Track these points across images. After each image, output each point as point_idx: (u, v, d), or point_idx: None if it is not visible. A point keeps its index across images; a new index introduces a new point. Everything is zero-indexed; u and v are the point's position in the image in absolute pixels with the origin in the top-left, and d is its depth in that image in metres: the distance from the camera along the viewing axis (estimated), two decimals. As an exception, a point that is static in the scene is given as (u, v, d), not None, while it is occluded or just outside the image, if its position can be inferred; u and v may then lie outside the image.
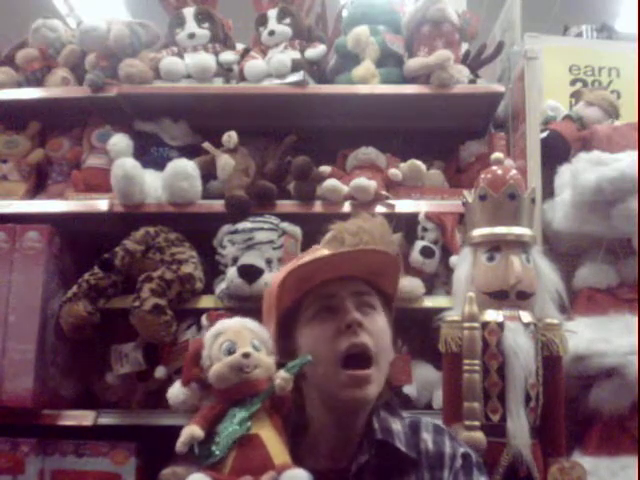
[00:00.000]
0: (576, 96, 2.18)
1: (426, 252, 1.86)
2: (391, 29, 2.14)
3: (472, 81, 2.08)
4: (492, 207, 1.51)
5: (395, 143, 2.19)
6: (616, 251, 1.82)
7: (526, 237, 1.50)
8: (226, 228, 1.86)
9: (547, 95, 2.17)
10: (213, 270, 1.90)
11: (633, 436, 1.61)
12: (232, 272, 1.75)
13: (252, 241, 1.79)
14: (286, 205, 1.94)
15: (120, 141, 2.01)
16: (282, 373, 1.01)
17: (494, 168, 1.56)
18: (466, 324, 1.40)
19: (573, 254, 1.88)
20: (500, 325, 1.42)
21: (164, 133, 2.12)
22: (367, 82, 2.03)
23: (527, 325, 1.43)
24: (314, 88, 2.06)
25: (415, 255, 1.86)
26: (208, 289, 1.87)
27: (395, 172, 2.01)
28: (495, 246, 1.50)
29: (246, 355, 1.02)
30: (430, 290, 1.88)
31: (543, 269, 1.50)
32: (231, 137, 1.99)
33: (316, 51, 2.11)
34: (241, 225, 1.83)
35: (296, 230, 1.87)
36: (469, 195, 1.58)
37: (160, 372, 1.78)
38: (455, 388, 1.40)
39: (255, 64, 2.06)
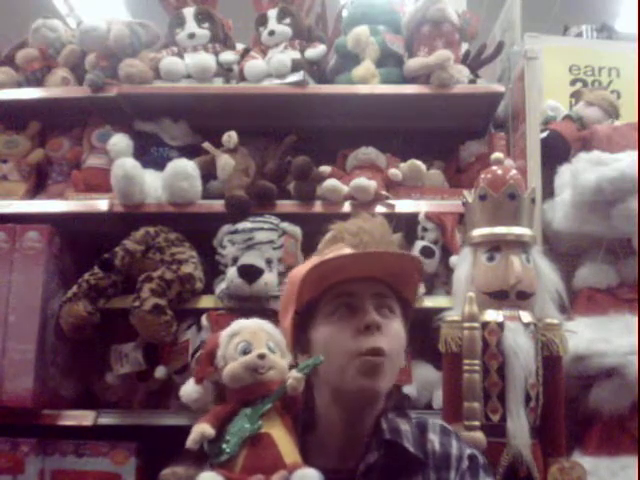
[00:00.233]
0: (576, 96, 2.18)
1: (426, 252, 1.86)
2: (391, 29, 2.14)
3: (472, 81, 2.08)
4: (492, 207, 1.51)
5: (395, 143, 2.19)
6: (616, 251, 1.82)
7: (526, 237, 1.50)
8: (226, 228, 1.86)
9: (547, 95, 2.17)
10: (213, 270, 1.90)
11: (633, 436, 1.61)
12: (232, 272, 1.75)
13: (252, 241, 1.79)
14: (286, 205, 1.94)
15: (120, 141, 2.01)
16: (294, 373, 1.01)
17: (494, 168, 1.56)
18: (466, 324, 1.40)
19: (573, 254, 1.88)
20: (500, 325, 1.42)
21: (164, 133, 2.12)
22: (367, 82, 2.03)
23: (527, 325, 1.43)
24: (314, 88, 2.06)
25: (415, 255, 1.86)
26: (208, 289, 1.87)
27: (395, 172, 2.01)
28: (495, 246, 1.50)
29: (261, 356, 1.02)
30: (430, 290, 1.88)
31: (543, 269, 1.50)
32: (231, 137, 1.99)
33: (316, 51, 2.11)
34: (241, 225, 1.83)
35: (296, 230, 1.87)
36: (469, 195, 1.58)
37: (160, 372, 1.78)
38: (455, 388, 1.41)
39: (255, 64, 2.06)
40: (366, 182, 1.90)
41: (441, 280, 1.91)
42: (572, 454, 1.59)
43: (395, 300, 1.13)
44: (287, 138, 2.07)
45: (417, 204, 1.95)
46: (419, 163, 2.01)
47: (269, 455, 0.96)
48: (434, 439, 1.10)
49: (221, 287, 1.81)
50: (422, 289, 1.82)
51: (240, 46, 2.24)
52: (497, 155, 1.58)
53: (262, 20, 2.18)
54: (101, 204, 1.93)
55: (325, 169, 2.03)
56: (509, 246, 1.48)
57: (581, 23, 2.64)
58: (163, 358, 1.80)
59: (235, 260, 1.79)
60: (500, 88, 2.04)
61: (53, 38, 2.19)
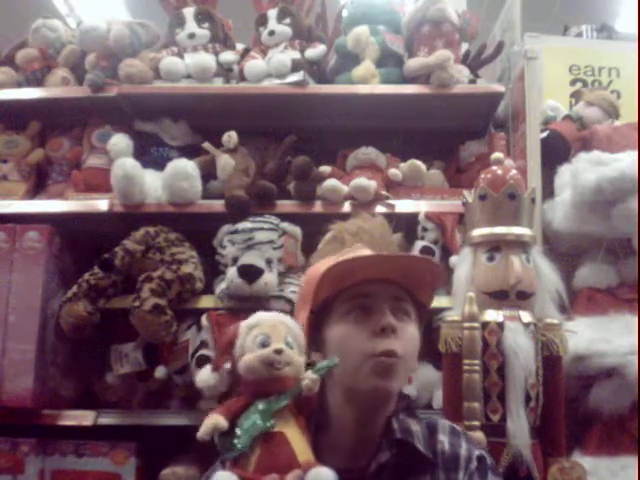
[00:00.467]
0: (576, 96, 2.18)
1: (426, 252, 1.86)
2: (391, 29, 2.14)
3: (472, 81, 2.08)
4: (492, 207, 1.51)
5: (395, 143, 2.19)
6: (616, 251, 1.82)
7: (526, 237, 1.50)
8: (226, 228, 1.86)
9: (547, 95, 2.17)
10: (213, 270, 1.90)
11: (633, 436, 1.61)
12: (232, 272, 1.75)
13: (252, 241, 1.79)
14: (286, 205, 1.94)
15: (120, 141, 2.01)
16: (310, 374, 1.01)
17: (494, 168, 1.56)
18: (466, 324, 1.40)
19: (573, 254, 1.88)
20: (500, 325, 1.42)
21: (164, 133, 2.12)
22: (367, 82, 2.03)
23: (527, 325, 1.43)
24: (314, 88, 2.06)
25: (415, 255, 1.86)
26: (208, 289, 1.87)
27: (395, 172, 2.01)
28: (495, 246, 1.50)
29: (278, 351, 1.01)
30: (430, 290, 1.88)
31: (543, 269, 1.50)
32: (231, 137, 1.99)
33: (316, 51, 2.11)
34: (241, 225, 1.83)
35: (296, 230, 1.87)
36: (469, 195, 1.58)
37: (160, 372, 1.78)
38: (455, 388, 1.40)
39: (255, 64, 2.06)
40: (366, 182, 1.90)
41: (441, 280, 1.91)
42: (572, 454, 1.59)
43: (410, 303, 1.13)
44: (287, 138, 2.07)
45: (417, 204, 1.95)
46: (419, 163, 2.01)
47: (283, 454, 0.95)
48: (444, 440, 1.10)
49: (221, 287, 1.81)
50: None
51: (240, 46, 2.24)
52: (497, 155, 1.58)
53: (262, 20, 2.18)
54: (101, 204, 1.93)
55: (325, 169, 2.03)
56: (509, 246, 1.48)
57: (581, 23, 2.64)
58: (163, 358, 1.80)
59: (235, 260, 1.79)
60: (500, 88, 2.04)
61: (53, 38, 2.19)
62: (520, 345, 1.39)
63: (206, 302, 1.84)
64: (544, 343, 1.45)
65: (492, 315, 1.44)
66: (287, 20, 2.14)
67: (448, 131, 2.21)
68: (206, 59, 2.08)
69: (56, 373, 1.85)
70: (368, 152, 2.09)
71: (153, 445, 1.80)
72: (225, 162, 1.95)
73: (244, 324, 1.07)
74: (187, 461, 1.74)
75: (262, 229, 1.81)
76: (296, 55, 2.08)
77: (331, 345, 1.10)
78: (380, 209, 1.91)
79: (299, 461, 0.95)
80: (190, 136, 2.16)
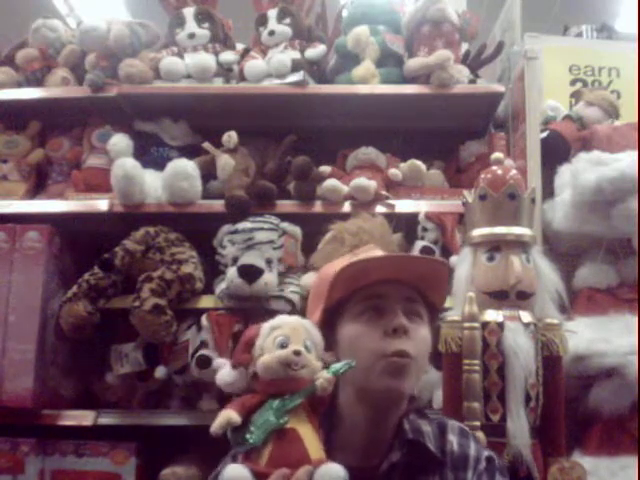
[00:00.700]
0: (576, 96, 2.18)
1: (426, 252, 1.86)
2: (391, 29, 2.14)
3: (472, 81, 2.08)
4: (492, 207, 1.51)
5: (395, 143, 2.19)
6: (616, 251, 1.82)
7: (526, 237, 1.50)
8: (226, 228, 1.86)
9: (547, 95, 2.17)
10: (213, 270, 1.90)
11: (633, 436, 1.61)
12: (232, 272, 1.75)
13: (252, 241, 1.79)
14: (286, 205, 1.94)
15: (120, 141, 2.01)
16: (325, 374, 1.02)
17: (494, 168, 1.56)
18: (466, 324, 1.40)
19: (573, 254, 1.88)
20: (500, 325, 1.42)
21: (164, 133, 2.12)
22: (367, 82, 2.03)
23: (527, 325, 1.43)
24: (314, 88, 2.06)
25: (415, 255, 1.86)
26: (208, 289, 1.87)
27: (395, 172, 2.01)
28: (495, 246, 1.50)
29: (297, 353, 1.02)
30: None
31: (543, 269, 1.50)
32: (231, 137, 1.99)
33: (316, 51, 2.11)
34: (241, 225, 1.83)
35: (296, 230, 1.87)
36: (469, 195, 1.58)
37: (160, 372, 1.78)
38: (455, 388, 1.41)
39: (255, 64, 2.06)
40: (366, 182, 1.90)
41: (441, 280, 1.91)
42: (572, 454, 1.59)
43: (422, 305, 1.14)
44: (287, 138, 2.07)
45: (417, 204, 1.95)
46: (419, 163, 2.01)
47: (295, 450, 0.96)
48: (453, 440, 1.12)
49: (221, 287, 1.81)
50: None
51: (240, 46, 2.24)
52: (497, 155, 1.58)
53: (262, 20, 2.18)
54: (101, 204, 1.93)
55: (325, 169, 2.03)
56: (509, 246, 1.48)
57: (581, 23, 2.64)
58: (163, 358, 1.80)
59: (235, 260, 1.79)
60: (500, 88, 2.04)
61: (53, 38, 2.19)
62: (520, 345, 1.39)
63: (206, 302, 1.84)
64: (544, 343, 1.45)
65: (492, 315, 1.44)
66: (287, 20, 2.14)
67: (448, 131, 2.21)
68: (206, 59, 2.08)
69: (56, 373, 1.85)
70: (368, 152, 2.09)
71: (153, 445, 1.80)
72: (225, 162, 1.95)
73: (267, 325, 1.09)
74: (187, 461, 1.74)
75: (262, 229, 1.81)
76: (296, 55, 2.08)
77: (343, 345, 1.11)
78: (380, 209, 1.91)
79: (311, 458, 0.96)
80: (190, 136, 2.16)
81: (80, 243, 2.00)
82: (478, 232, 1.53)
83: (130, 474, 1.73)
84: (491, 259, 1.49)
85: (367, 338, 1.08)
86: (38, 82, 2.13)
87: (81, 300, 1.78)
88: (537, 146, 1.87)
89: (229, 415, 0.98)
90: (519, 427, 1.36)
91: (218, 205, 1.92)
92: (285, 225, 1.85)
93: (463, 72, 2.05)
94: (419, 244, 1.89)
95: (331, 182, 1.92)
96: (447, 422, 1.16)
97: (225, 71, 2.12)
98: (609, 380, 1.62)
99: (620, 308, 1.74)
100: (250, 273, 1.73)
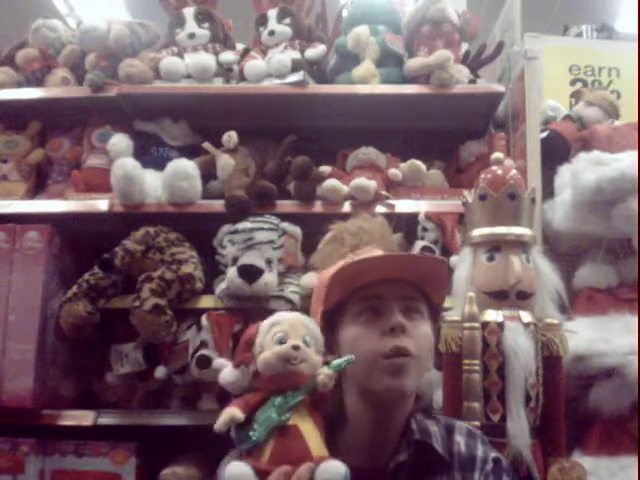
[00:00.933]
0: (576, 96, 2.18)
1: (426, 252, 1.86)
2: (391, 29, 2.14)
3: (472, 81, 2.08)
4: (492, 207, 1.51)
5: (395, 143, 2.19)
6: (616, 251, 1.82)
7: (526, 237, 1.50)
8: (226, 228, 1.86)
9: (547, 95, 2.17)
10: (213, 270, 1.90)
11: (633, 436, 1.61)
12: (232, 272, 1.75)
13: (252, 241, 1.79)
14: (286, 205, 1.94)
15: (120, 141, 2.01)
16: (325, 370, 1.02)
17: (494, 168, 1.56)
18: (466, 324, 1.40)
19: (573, 254, 1.88)
20: (500, 325, 1.42)
21: (164, 133, 2.12)
22: (367, 82, 2.03)
23: (527, 325, 1.43)
24: (314, 88, 2.06)
25: (415, 255, 1.86)
26: (208, 289, 1.87)
27: (395, 172, 2.01)
28: (495, 246, 1.49)
29: (295, 347, 1.03)
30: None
31: (543, 269, 1.50)
32: (231, 137, 1.99)
33: (316, 51, 2.11)
34: (241, 225, 1.83)
35: (296, 230, 1.87)
36: (469, 195, 1.58)
37: (160, 372, 1.78)
38: (455, 388, 1.40)
39: (255, 64, 2.06)
40: (366, 182, 1.90)
41: (441, 280, 1.91)
42: (572, 454, 1.59)
43: (423, 302, 1.14)
44: (287, 138, 2.07)
45: (417, 204, 1.95)
46: (419, 163, 2.01)
47: (297, 447, 0.97)
48: (460, 441, 1.12)
49: (221, 287, 1.81)
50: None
51: (240, 46, 2.24)
52: (497, 155, 1.58)
53: (262, 20, 2.18)
54: (101, 204, 1.93)
55: (325, 169, 2.03)
56: (509, 246, 1.48)
57: (581, 23, 2.64)
58: (163, 358, 1.80)
59: (235, 260, 1.79)
60: (500, 88, 2.04)
61: (53, 38, 2.19)
62: (520, 345, 1.39)
63: (206, 302, 1.84)
64: (544, 343, 1.45)
65: (492, 315, 1.44)
66: (287, 20, 2.14)
67: (448, 131, 2.21)
68: (206, 59, 2.08)
69: (56, 373, 1.85)
70: (368, 152, 2.09)
71: (153, 445, 1.80)
72: (225, 162, 1.95)
73: (266, 322, 1.10)
74: (187, 461, 1.74)
75: (262, 229, 1.81)
76: (296, 55, 2.08)
77: (344, 346, 1.11)
78: (380, 209, 1.90)
79: (312, 455, 0.97)
80: (190, 136, 2.16)
81: (80, 243, 2.00)
82: (478, 232, 1.53)
83: (130, 474, 1.73)
84: (491, 259, 1.49)
85: (366, 339, 1.08)
86: (38, 82, 2.13)
87: (81, 300, 1.78)
88: (537, 146, 1.87)
89: (233, 412, 0.99)
90: (519, 427, 1.36)
91: (218, 205, 1.92)
92: (285, 225, 1.85)
93: (463, 72, 2.05)
94: (419, 244, 1.89)
95: (331, 182, 1.92)
96: (454, 423, 1.16)
97: (225, 71, 2.12)
98: (609, 380, 1.62)
99: (620, 308, 1.74)
100: (250, 273, 1.73)
